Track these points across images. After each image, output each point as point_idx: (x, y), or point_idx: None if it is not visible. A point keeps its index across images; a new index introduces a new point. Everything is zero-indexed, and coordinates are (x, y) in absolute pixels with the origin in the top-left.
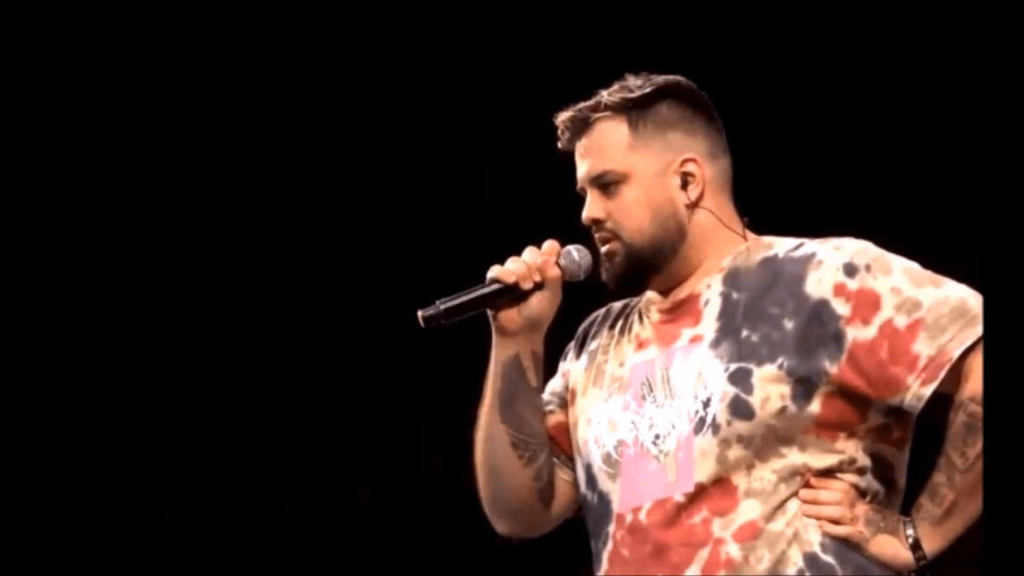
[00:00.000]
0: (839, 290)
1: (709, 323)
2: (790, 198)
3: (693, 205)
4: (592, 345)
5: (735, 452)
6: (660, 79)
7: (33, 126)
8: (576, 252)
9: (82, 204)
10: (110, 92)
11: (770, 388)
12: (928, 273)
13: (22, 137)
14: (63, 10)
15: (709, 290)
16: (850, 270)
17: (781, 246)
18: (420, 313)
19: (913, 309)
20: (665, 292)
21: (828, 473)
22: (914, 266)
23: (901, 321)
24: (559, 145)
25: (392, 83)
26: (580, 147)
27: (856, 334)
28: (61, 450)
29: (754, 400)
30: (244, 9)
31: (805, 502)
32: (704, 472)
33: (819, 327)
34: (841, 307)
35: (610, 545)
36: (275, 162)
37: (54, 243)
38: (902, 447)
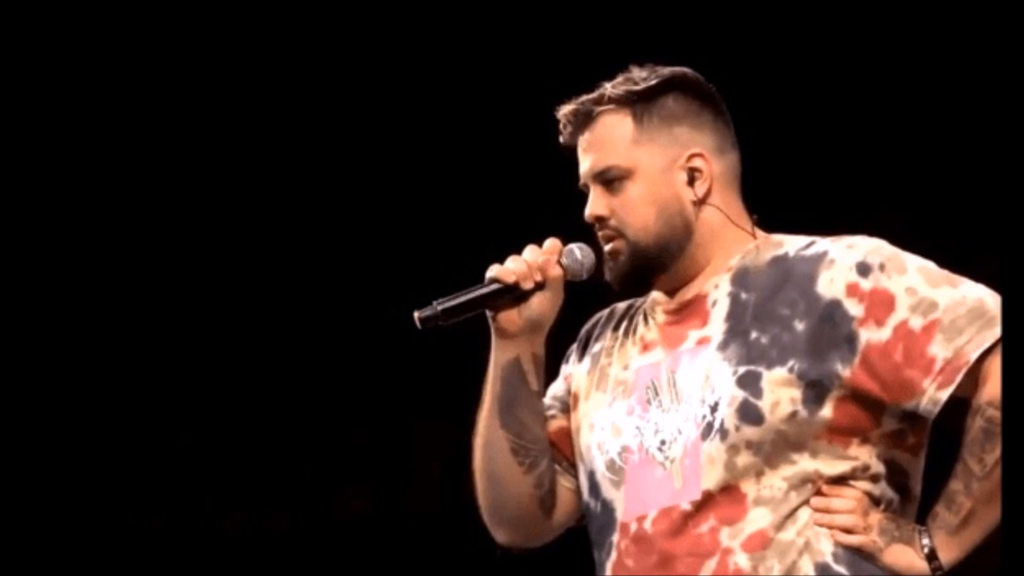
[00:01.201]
0: (852, 290)
1: (717, 324)
2: (802, 195)
3: (700, 202)
4: (595, 347)
5: (744, 458)
6: (666, 71)
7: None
8: (579, 251)
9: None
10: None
11: (780, 392)
12: (944, 273)
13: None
14: None
15: (717, 290)
16: (863, 269)
17: (792, 245)
18: (416, 314)
19: (929, 310)
20: (671, 292)
21: (840, 480)
22: (930, 265)
23: (916, 322)
24: (561, 140)
25: (392, 81)
26: (583, 142)
27: (870, 336)
28: (51, 455)
29: (763, 404)
30: (242, 7)
31: (817, 510)
32: (712, 479)
33: (831, 328)
34: (854, 308)
35: (614, 555)
36: (271, 162)
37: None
38: (917, 453)
